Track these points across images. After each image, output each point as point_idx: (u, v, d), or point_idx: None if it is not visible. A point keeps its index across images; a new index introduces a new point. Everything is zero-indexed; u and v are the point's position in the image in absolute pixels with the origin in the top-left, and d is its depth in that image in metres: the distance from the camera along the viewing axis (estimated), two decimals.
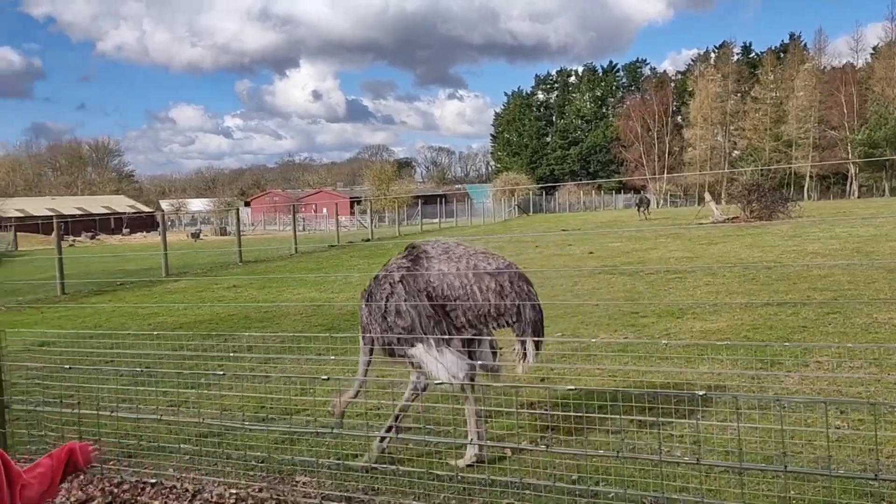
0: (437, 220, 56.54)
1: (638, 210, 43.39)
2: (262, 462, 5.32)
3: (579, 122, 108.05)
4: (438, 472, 4.77)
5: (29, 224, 59.47)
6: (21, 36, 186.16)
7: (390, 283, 5.01)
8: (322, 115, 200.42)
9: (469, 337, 5.04)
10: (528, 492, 4.52)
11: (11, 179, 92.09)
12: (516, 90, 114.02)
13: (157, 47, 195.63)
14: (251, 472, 5.08)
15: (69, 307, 15.55)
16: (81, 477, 5.04)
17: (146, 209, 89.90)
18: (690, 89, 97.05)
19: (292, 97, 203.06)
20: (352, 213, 75.91)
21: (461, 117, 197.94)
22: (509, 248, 25.58)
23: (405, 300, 4.89)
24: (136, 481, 4.92)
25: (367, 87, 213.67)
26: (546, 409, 5.81)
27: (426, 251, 5.08)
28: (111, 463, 5.39)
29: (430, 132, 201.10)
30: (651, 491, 4.29)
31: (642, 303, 11.37)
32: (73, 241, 59.16)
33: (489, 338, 5.23)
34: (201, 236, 62.05)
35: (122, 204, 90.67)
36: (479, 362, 5.06)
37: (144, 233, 75.11)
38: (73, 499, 4.65)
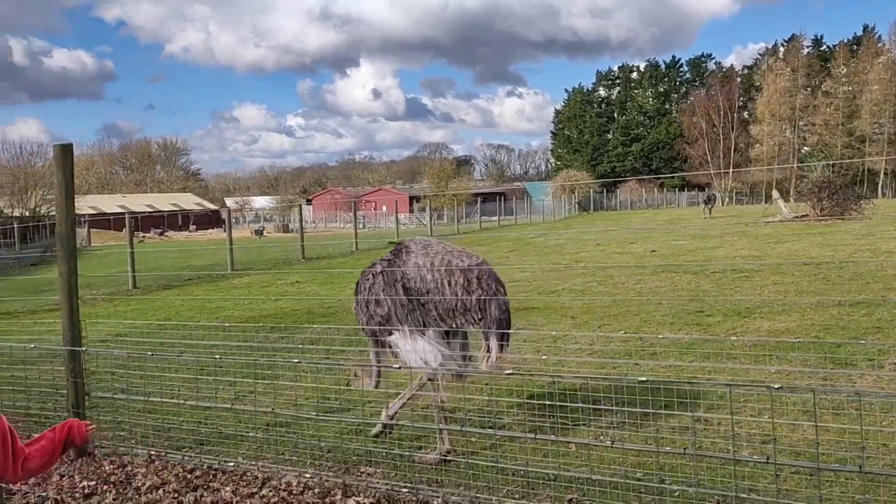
0: (496, 218, 56.44)
1: (705, 207, 42.57)
2: (329, 452, 5.42)
3: (641, 118, 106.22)
4: (503, 465, 4.79)
5: (101, 220, 61.69)
6: (94, 39, 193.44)
7: (372, 275, 5.44)
8: (381, 113, 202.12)
9: (445, 329, 5.26)
10: (593, 487, 4.50)
11: (85, 178, 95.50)
12: (577, 87, 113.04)
13: (222, 48, 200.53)
14: (318, 462, 5.19)
15: (141, 300, 16.10)
16: (156, 463, 5.23)
17: (212, 206, 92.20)
18: (758, 84, 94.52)
19: (352, 96, 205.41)
20: (411, 211, 76.37)
21: (520, 115, 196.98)
22: (569, 245, 25.40)
23: (383, 290, 5.28)
24: (208, 467, 5.07)
25: (426, 86, 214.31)
26: (611, 405, 5.77)
27: (408, 247, 5.44)
28: (184, 450, 5.57)
29: (488, 130, 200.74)
30: (719, 489, 4.22)
31: (707, 301, 11.16)
32: (143, 237, 61.13)
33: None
34: (264, 233, 63.36)
35: (189, 201, 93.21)
36: (451, 353, 5.30)
37: (210, 230, 77.07)
38: (148, 483, 4.82)
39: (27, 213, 51.57)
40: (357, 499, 4.35)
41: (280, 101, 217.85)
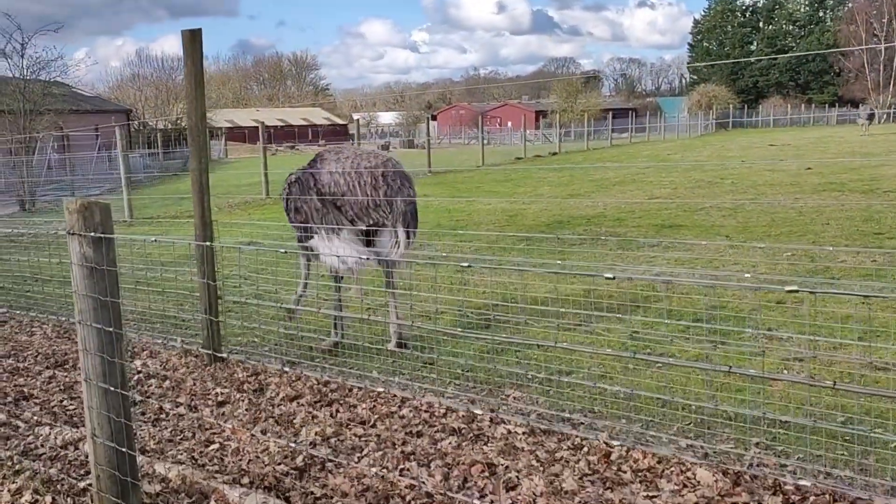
0: (626, 135, 53.90)
1: (865, 123, 38.92)
2: (468, 371, 4.97)
3: (790, 27, 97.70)
4: (668, 398, 4.17)
5: (236, 133, 63.78)
6: None
7: (289, 184, 5.68)
8: (506, 27, 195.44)
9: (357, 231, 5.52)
10: (780, 430, 3.81)
11: (222, 93, 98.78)
12: None
13: None
14: (457, 381, 4.75)
15: (273, 209, 16.27)
16: (289, 373, 4.95)
17: (340, 121, 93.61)
18: None
19: (477, 9, 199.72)
20: (537, 127, 74.37)
21: (652, 27, 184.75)
22: (711, 163, 23.69)
23: (299, 196, 5.53)
24: (343, 382, 4.72)
25: None
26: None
27: (322, 156, 5.67)
28: (317, 360, 5.28)
29: (617, 43, 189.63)
30: None
31: (886, 222, 9.85)
32: (276, 150, 62.83)
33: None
34: (390, 148, 63.68)
35: (319, 116, 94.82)
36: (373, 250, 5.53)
37: (339, 144, 78.23)
38: (282, 394, 4.53)
39: (169, 126, 54.00)
40: (507, 426, 3.84)
41: (405, 15, 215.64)
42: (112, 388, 2.99)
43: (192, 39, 4.83)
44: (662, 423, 4.00)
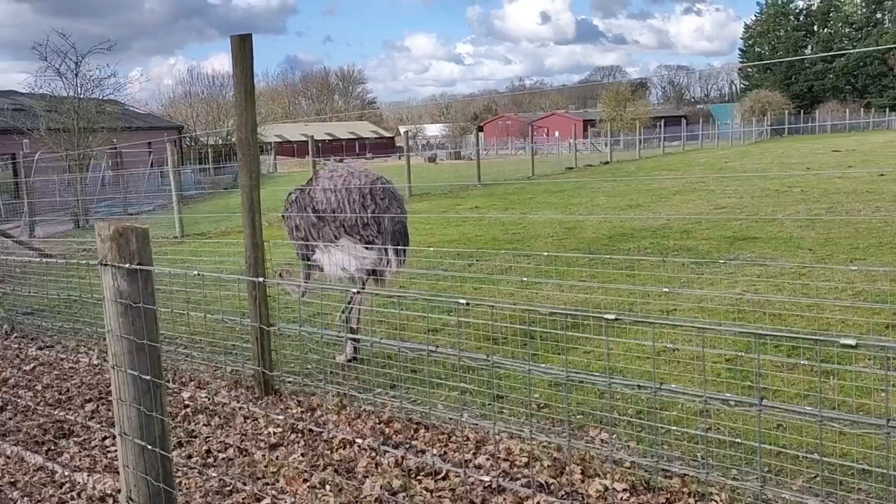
0: (678, 143, 52.59)
1: None
2: (543, 408, 4.46)
3: (847, 30, 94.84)
4: (779, 448, 3.60)
5: (285, 148, 64.24)
6: None
7: (289, 202, 5.82)
8: (550, 37, 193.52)
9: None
10: None
11: (271, 108, 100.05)
12: None
13: None
14: (533, 420, 4.24)
15: None
16: (348, 409, 4.49)
17: (387, 134, 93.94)
18: None
19: (521, 20, 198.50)
20: (585, 137, 73.32)
21: (699, 33, 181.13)
22: (773, 171, 22.74)
23: (297, 214, 5.68)
24: (408, 419, 4.24)
25: (597, 6, 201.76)
26: None
27: (318, 174, 5.86)
28: (375, 392, 4.82)
29: (664, 51, 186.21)
30: None
31: None
32: (324, 163, 63.07)
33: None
34: (437, 160, 63.45)
35: (366, 129, 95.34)
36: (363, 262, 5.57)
37: (387, 157, 78.40)
38: (340, 436, 4.07)
39: (220, 141, 54.64)
40: (603, 481, 3.31)
41: (449, 28, 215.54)
42: (149, 447, 2.56)
43: (242, 45, 4.44)
44: (781, 475, 3.43)
